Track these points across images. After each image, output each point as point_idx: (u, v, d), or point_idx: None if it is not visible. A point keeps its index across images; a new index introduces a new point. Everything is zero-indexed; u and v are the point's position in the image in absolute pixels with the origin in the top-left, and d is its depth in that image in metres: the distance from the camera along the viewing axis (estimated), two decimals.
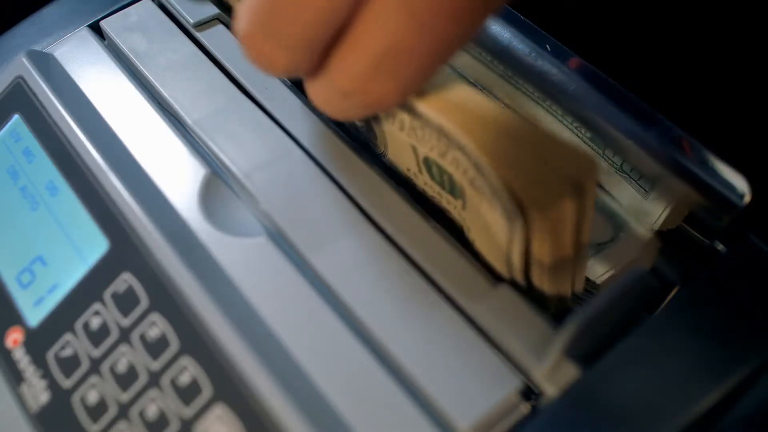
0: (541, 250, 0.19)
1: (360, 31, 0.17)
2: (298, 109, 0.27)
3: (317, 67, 0.18)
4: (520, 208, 0.18)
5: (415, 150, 0.21)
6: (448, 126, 0.18)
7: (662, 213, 0.24)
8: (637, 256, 0.24)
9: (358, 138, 0.25)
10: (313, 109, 0.27)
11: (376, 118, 0.22)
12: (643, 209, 0.25)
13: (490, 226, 0.20)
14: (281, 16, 0.17)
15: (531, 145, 0.18)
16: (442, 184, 0.21)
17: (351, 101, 0.18)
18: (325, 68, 0.18)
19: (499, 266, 0.22)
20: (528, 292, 0.22)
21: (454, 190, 0.21)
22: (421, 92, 0.19)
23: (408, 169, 0.23)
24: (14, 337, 0.25)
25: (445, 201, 0.22)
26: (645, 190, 0.25)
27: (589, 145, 0.26)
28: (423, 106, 0.18)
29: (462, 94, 0.18)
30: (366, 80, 0.17)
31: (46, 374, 0.23)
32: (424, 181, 0.22)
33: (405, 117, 0.19)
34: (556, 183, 0.18)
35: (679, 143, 0.23)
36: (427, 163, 0.21)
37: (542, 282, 0.21)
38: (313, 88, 0.19)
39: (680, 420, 0.19)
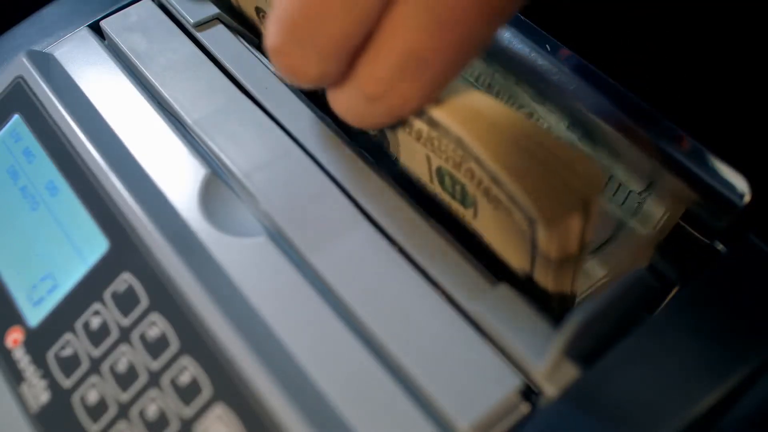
0: (548, 252, 0.19)
1: (387, 35, 0.17)
2: (298, 109, 0.27)
3: (344, 75, 0.18)
4: (529, 220, 0.18)
5: (428, 160, 0.21)
6: (466, 138, 0.18)
7: (661, 214, 0.24)
8: (636, 255, 0.24)
9: (365, 141, 0.25)
10: (314, 109, 0.27)
11: (391, 126, 0.22)
12: (641, 211, 0.25)
13: (508, 232, 0.20)
14: (313, 26, 0.17)
15: (544, 157, 0.18)
16: (453, 195, 0.22)
17: (376, 107, 0.18)
18: (351, 75, 0.18)
19: (517, 264, 0.22)
20: (533, 289, 0.22)
21: (465, 200, 0.21)
22: (438, 101, 0.19)
23: (419, 180, 0.23)
24: (14, 337, 0.25)
25: (454, 209, 0.22)
26: (638, 194, 0.25)
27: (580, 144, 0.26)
28: (442, 115, 0.19)
29: (476, 102, 0.19)
30: (391, 83, 0.18)
31: (46, 374, 0.23)
32: (434, 190, 0.23)
33: (423, 127, 0.20)
34: (566, 197, 0.18)
35: (679, 143, 0.23)
36: (440, 173, 0.21)
37: (546, 280, 0.21)
38: (336, 97, 0.19)
39: (680, 420, 0.19)
